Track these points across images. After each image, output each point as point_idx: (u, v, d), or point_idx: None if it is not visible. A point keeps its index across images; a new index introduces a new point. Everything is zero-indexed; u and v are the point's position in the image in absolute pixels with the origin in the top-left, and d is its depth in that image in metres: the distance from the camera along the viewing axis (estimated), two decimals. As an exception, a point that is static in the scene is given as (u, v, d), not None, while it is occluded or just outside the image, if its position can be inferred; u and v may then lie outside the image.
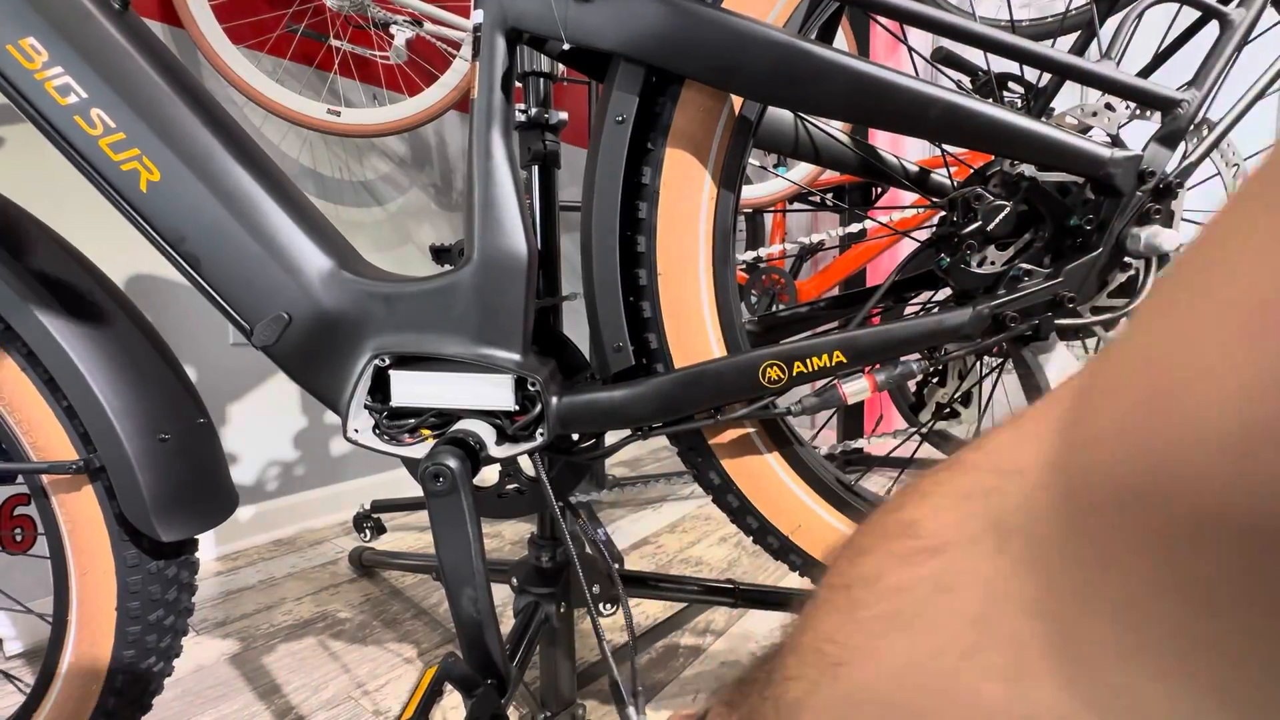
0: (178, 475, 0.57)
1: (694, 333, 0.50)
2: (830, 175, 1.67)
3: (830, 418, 0.65)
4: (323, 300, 0.51)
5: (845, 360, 0.45)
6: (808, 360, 0.45)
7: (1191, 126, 0.43)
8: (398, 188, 1.73)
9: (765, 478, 0.52)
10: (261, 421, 1.49)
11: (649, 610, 1.11)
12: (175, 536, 0.56)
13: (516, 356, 0.53)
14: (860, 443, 0.72)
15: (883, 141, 1.95)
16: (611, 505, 1.67)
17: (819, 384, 0.48)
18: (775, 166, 1.80)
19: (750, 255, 1.32)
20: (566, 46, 0.47)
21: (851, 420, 1.84)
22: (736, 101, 0.47)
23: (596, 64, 0.51)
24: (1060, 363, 0.45)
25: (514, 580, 0.81)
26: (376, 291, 0.52)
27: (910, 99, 0.42)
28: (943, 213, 0.54)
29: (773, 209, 1.77)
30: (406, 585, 1.24)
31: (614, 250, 0.48)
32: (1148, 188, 0.43)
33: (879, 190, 1.71)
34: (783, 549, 0.54)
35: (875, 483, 1.84)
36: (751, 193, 1.47)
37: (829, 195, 1.71)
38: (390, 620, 1.11)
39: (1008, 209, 0.45)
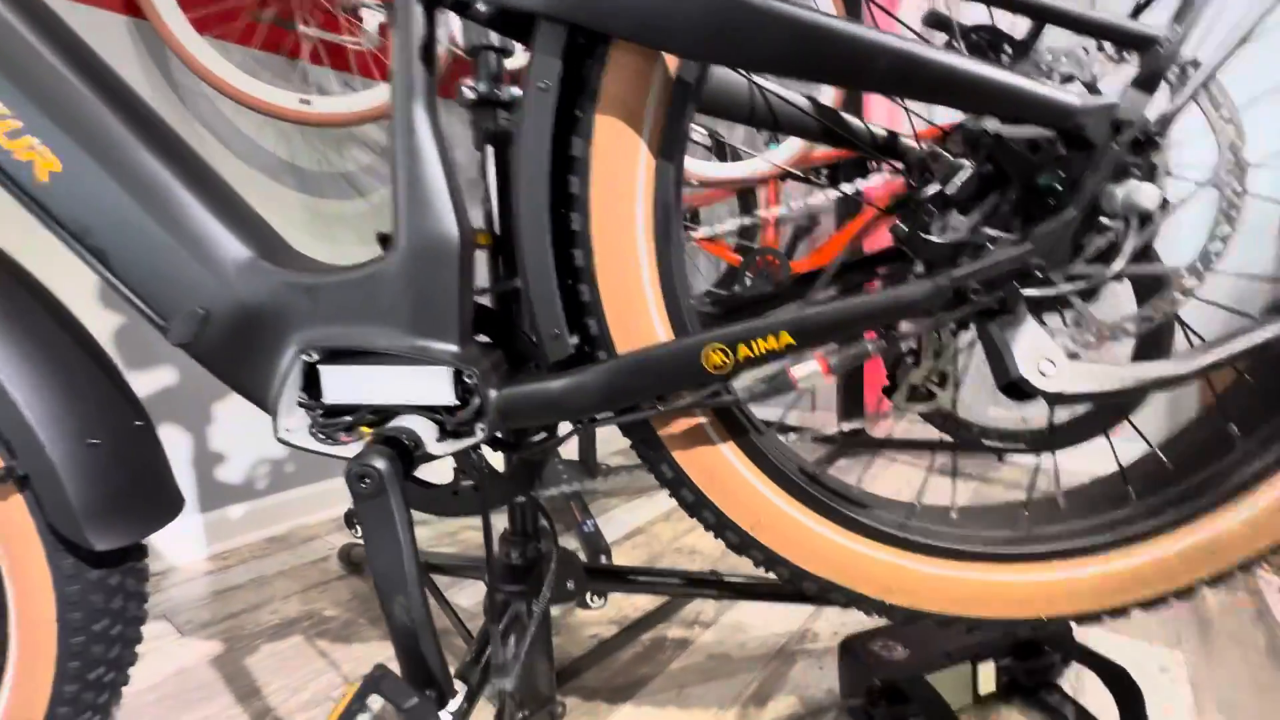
0: (111, 481, 0.54)
1: (637, 316, 0.47)
2: (825, 150, 1.62)
3: (798, 398, 0.61)
4: (241, 293, 0.48)
5: (794, 342, 0.41)
6: (753, 343, 0.42)
7: (1174, 68, 0.38)
8: (380, 178, 1.70)
9: (720, 470, 0.49)
10: (251, 418, 1.48)
11: (639, 602, 1.08)
12: (110, 545, 0.53)
13: (453, 347, 0.50)
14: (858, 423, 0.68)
15: (879, 112, 1.88)
16: (606, 495, 1.65)
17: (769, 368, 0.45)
18: (767, 144, 1.74)
19: (734, 224, 1.27)
20: (483, 8, 0.43)
21: (851, 398, 1.79)
22: (672, 62, 0.43)
23: (526, 28, 0.47)
24: (1031, 339, 0.40)
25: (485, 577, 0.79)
26: (298, 282, 0.49)
27: (855, 48, 0.37)
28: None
29: (765, 185, 1.72)
30: (395, 581, 1.22)
31: (544, 229, 0.45)
32: (1123, 139, 0.39)
33: (875, 164, 1.65)
34: (743, 545, 0.51)
35: (879, 465, 1.80)
36: (734, 171, 1.42)
37: (819, 172, 1.65)
38: (375, 618, 1.10)
39: (968, 169, 0.41)
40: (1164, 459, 0.54)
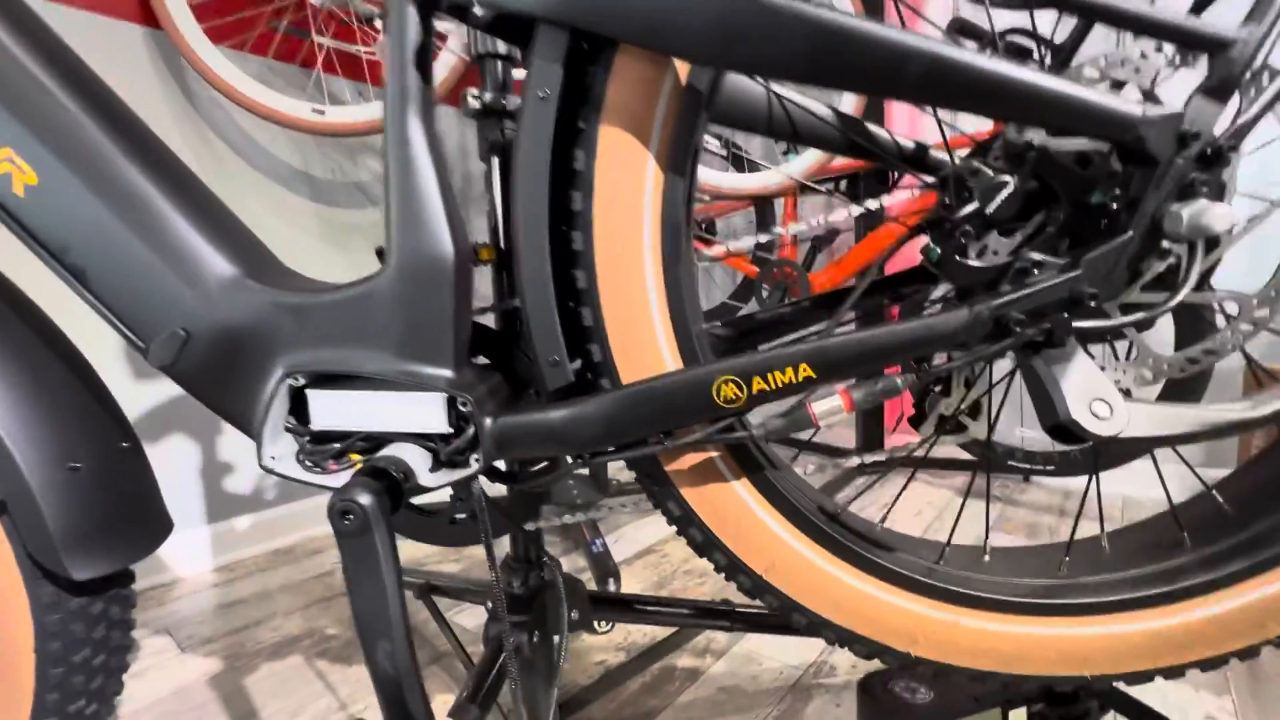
0: (92, 507, 0.52)
1: (643, 343, 0.43)
2: (843, 161, 1.57)
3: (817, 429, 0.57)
4: (224, 313, 0.45)
5: (814, 375, 0.38)
6: (769, 376, 0.38)
7: (1248, 74, 0.34)
8: (393, 187, 1.68)
9: (732, 509, 0.45)
10: (258, 430, 1.47)
11: (648, 627, 1.04)
12: (91, 573, 0.51)
13: (446, 373, 0.46)
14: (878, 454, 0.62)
15: (901, 123, 1.83)
16: (616, 511, 1.61)
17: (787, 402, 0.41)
18: (785, 154, 1.71)
19: (751, 241, 1.23)
20: (481, 12, 0.40)
21: (871, 420, 1.74)
22: (682, 68, 0.40)
23: (526, 33, 0.44)
24: (1082, 376, 0.36)
25: (488, 604, 0.75)
26: (284, 302, 0.46)
27: (884, 52, 0.34)
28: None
29: (783, 196, 1.68)
30: (399, 599, 1.19)
31: (544, 248, 0.41)
32: (1190, 153, 0.34)
33: (896, 176, 1.60)
34: (756, 589, 0.47)
35: (897, 481, 1.74)
36: (750, 183, 1.39)
37: (839, 183, 1.61)
38: (378, 637, 1.07)
39: (1010, 186, 0.37)
40: (1221, 502, 0.49)
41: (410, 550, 1.42)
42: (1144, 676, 0.46)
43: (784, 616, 0.48)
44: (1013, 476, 1.75)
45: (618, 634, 1.04)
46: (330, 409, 0.48)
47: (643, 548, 1.40)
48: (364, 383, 0.47)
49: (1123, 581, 0.47)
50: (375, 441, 0.49)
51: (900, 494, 0.63)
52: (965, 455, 1.68)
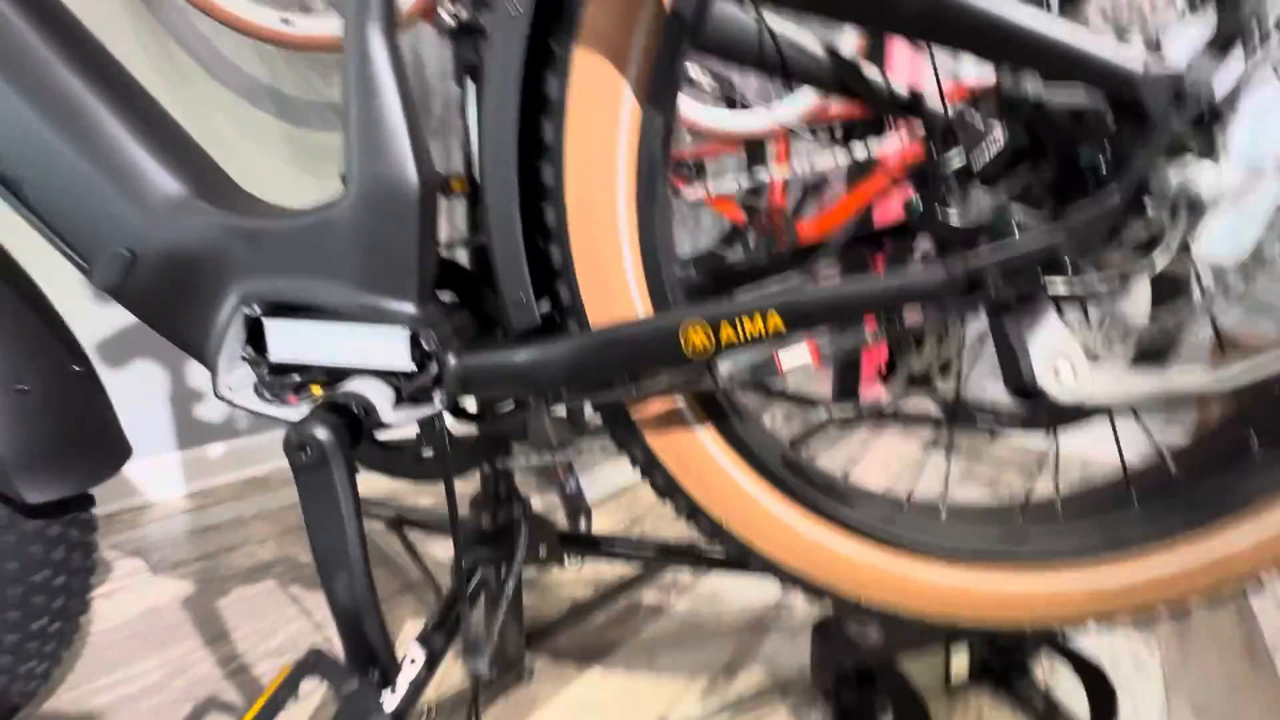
0: (43, 430, 0.51)
1: (612, 285, 0.42)
2: (841, 107, 1.52)
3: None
4: (170, 234, 0.43)
5: (783, 326, 0.37)
6: (738, 324, 0.37)
7: (1256, 30, 0.32)
8: (369, 110, 1.60)
9: (695, 457, 0.45)
10: (229, 358, 1.44)
11: (617, 566, 1.07)
12: (43, 497, 0.50)
13: (409, 308, 0.45)
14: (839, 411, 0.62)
15: (902, 74, 1.76)
16: (592, 452, 1.63)
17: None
18: (780, 95, 1.64)
19: (738, 184, 1.20)
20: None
21: (846, 377, 1.75)
22: (665, -10, 0.37)
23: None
24: (1050, 339, 0.36)
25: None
26: (237, 226, 0.43)
27: (881, -18, 0.31)
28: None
29: (775, 140, 1.63)
30: (372, 531, 1.21)
31: (511, 182, 0.39)
32: (1186, 113, 0.33)
33: (891, 125, 1.56)
34: (715, 534, 0.48)
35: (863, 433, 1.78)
36: (741, 122, 1.34)
37: (833, 130, 1.56)
38: (351, 566, 1.08)
39: (999, 139, 0.36)
40: (1171, 465, 0.50)
41: (385, 482, 1.43)
42: (1079, 623, 0.48)
43: (741, 560, 0.49)
44: (979, 431, 1.80)
45: (587, 570, 1.07)
46: (288, 340, 0.46)
47: (616, 488, 1.42)
48: (323, 314, 0.46)
49: (1069, 536, 0.49)
50: (336, 375, 0.48)
51: (867, 449, 0.64)
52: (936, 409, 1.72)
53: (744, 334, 0.37)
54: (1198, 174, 0.32)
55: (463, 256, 0.64)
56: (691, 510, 0.47)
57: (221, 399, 0.46)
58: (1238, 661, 0.87)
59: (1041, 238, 0.35)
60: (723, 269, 0.52)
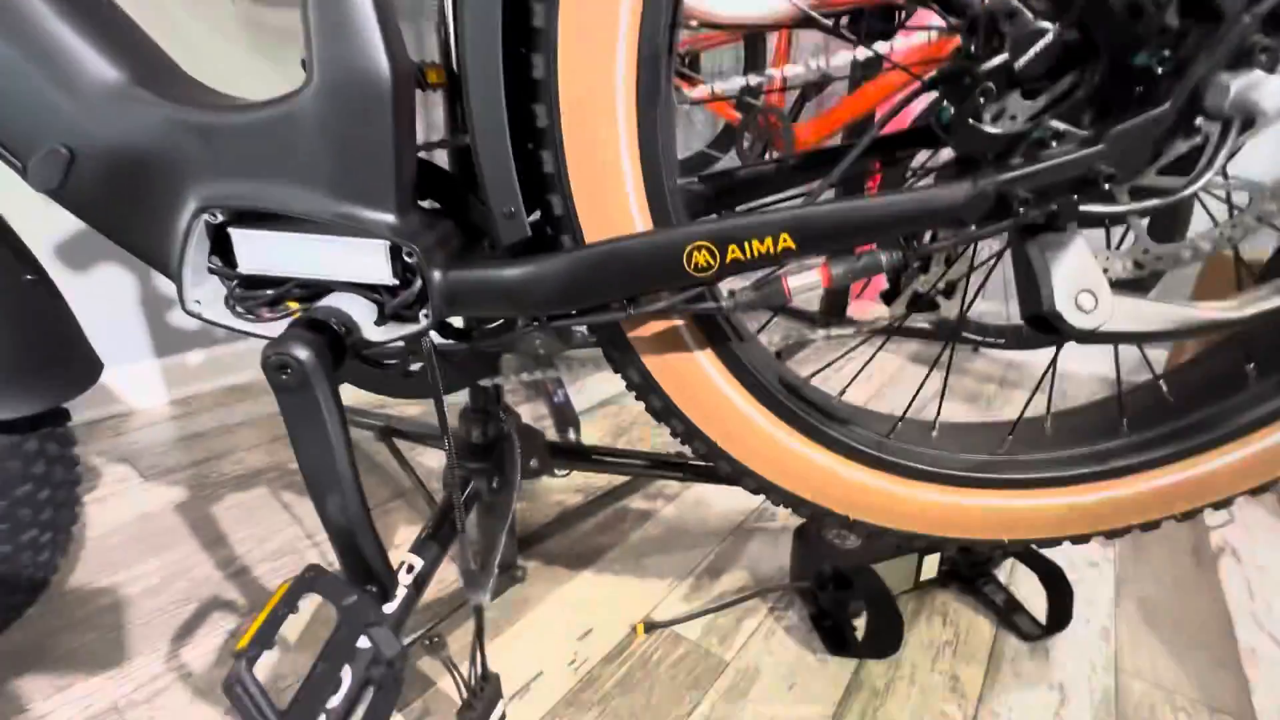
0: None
1: (610, 197, 0.39)
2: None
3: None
4: (111, 128, 0.38)
5: (794, 246, 0.34)
6: (746, 243, 0.35)
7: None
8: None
9: (694, 379, 0.44)
10: (198, 263, 1.37)
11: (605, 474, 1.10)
12: (10, 414, 0.48)
13: (388, 217, 0.41)
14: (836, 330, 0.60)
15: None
16: (581, 364, 1.63)
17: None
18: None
19: (739, 83, 1.11)
20: None
21: (835, 296, 1.73)
22: None
23: None
24: (1075, 265, 0.34)
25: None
26: (186, 120, 0.39)
27: None
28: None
29: (775, 31, 1.50)
30: (361, 438, 1.21)
31: (497, 74, 0.35)
32: (1260, 9, 0.29)
33: (903, 15, 1.43)
34: (711, 455, 0.48)
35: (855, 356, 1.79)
36: (743, 9, 1.22)
37: (839, 20, 1.43)
38: (342, 473, 1.10)
39: (1050, 35, 0.32)
40: (1165, 390, 0.50)
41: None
42: (1055, 542, 0.50)
43: (735, 479, 0.49)
44: (963, 347, 1.82)
45: (576, 478, 1.09)
46: (258, 252, 0.43)
47: (603, 398, 1.43)
48: (294, 224, 0.42)
49: (1056, 460, 0.49)
50: (314, 290, 0.45)
51: (863, 368, 0.63)
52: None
53: (752, 253, 0.35)
54: (1261, 85, 0.29)
55: (445, 160, 0.59)
56: (689, 433, 0.46)
57: (191, 315, 0.43)
58: (1185, 562, 0.94)
59: (1081, 153, 0.32)
60: (725, 178, 0.49)
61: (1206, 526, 1.03)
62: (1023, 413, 0.51)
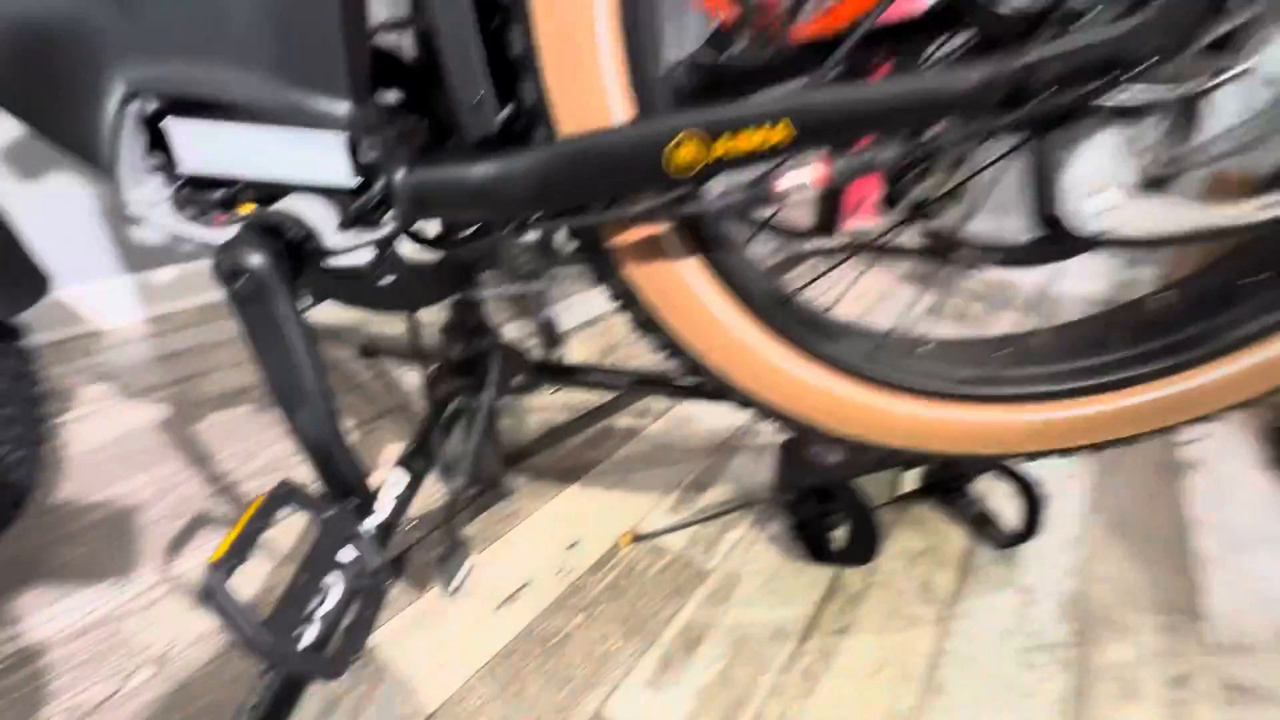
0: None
1: (587, 84, 0.35)
2: None
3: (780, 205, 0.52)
4: (11, -3, 0.33)
5: (792, 138, 0.31)
6: (738, 134, 0.31)
7: None
8: None
9: (677, 290, 0.42)
10: (158, 172, 1.29)
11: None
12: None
13: (342, 107, 0.37)
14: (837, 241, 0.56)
15: None
16: (568, 279, 1.59)
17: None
18: None
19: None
20: None
21: (829, 199, 1.68)
22: None
23: None
24: (1094, 162, 0.31)
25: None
26: (97, -14, 0.33)
27: None
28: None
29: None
30: (343, 358, 1.20)
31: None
32: None
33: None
34: (695, 370, 0.46)
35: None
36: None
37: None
38: (326, 392, 1.08)
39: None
40: (1158, 305, 0.49)
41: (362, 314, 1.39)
42: (1040, 455, 0.50)
43: (720, 395, 0.48)
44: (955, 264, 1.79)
45: (562, 395, 1.09)
46: (200, 147, 0.39)
47: (591, 316, 1.41)
48: (237, 114, 0.38)
49: (1044, 375, 0.49)
50: (268, 192, 0.42)
51: (856, 279, 0.61)
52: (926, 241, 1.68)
53: (745, 146, 0.31)
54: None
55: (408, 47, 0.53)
56: (672, 347, 0.45)
57: (134, 220, 0.40)
58: (1155, 476, 0.97)
59: (1114, 33, 0.29)
60: (717, 70, 0.44)
61: (1177, 440, 1.05)
62: (1013, 329, 0.50)
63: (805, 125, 0.31)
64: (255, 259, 0.35)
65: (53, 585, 0.69)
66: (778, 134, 0.31)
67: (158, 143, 0.40)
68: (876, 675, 0.62)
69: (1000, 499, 0.86)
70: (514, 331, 1.32)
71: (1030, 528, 0.78)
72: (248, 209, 0.42)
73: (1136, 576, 0.77)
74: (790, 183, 0.33)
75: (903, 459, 0.53)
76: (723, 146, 0.32)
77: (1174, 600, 0.73)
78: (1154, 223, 0.33)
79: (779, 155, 0.32)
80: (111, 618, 0.66)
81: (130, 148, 0.38)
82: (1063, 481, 0.94)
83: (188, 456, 0.91)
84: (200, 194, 0.41)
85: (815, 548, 0.77)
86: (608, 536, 0.78)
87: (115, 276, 1.27)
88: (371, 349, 0.98)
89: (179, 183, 0.41)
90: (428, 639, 0.63)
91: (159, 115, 0.38)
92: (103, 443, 0.93)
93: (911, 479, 0.85)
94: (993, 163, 0.38)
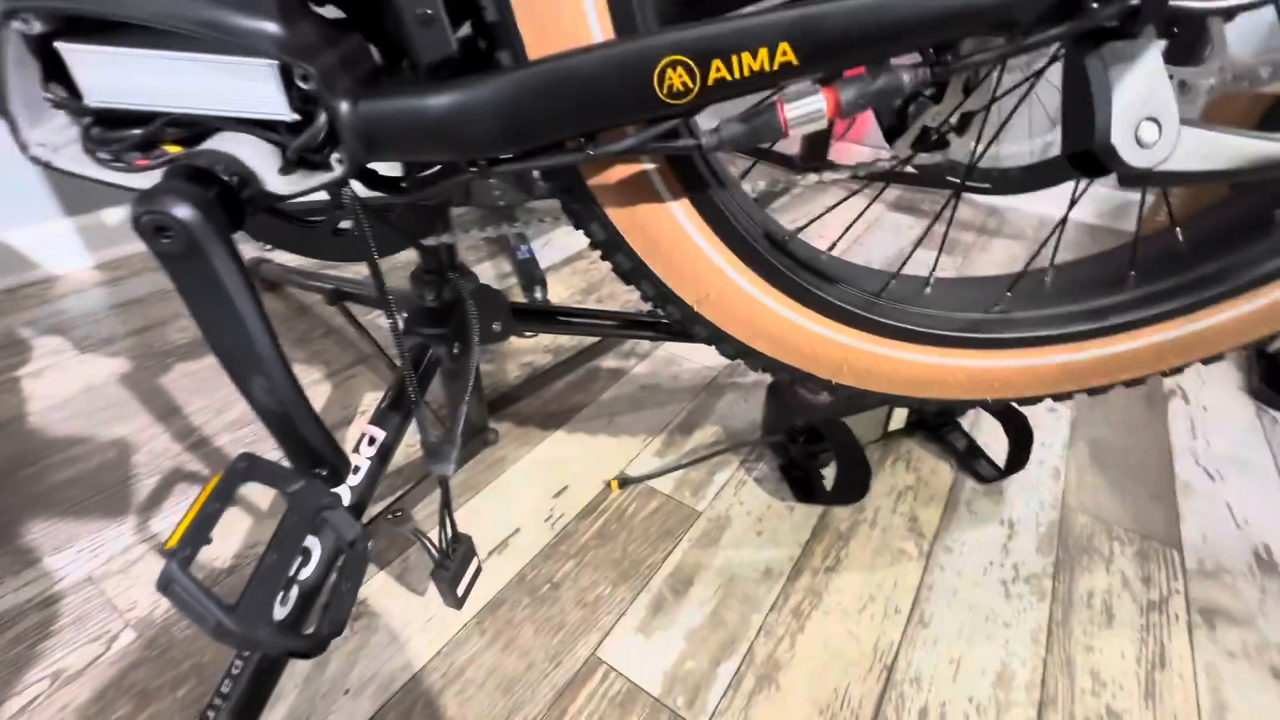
0: None
1: (557, -6, 0.29)
2: None
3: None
4: None
5: (795, 60, 0.27)
6: (734, 57, 0.27)
7: None
8: None
9: (666, 234, 0.38)
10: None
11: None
12: None
13: (270, 26, 0.32)
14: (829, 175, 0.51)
15: None
16: (547, 216, 1.51)
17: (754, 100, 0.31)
18: None
19: None
20: None
21: (816, 135, 1.60)
22: None
23: None
24: (1144, 86, 0.27)
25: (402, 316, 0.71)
26: None
27: None
28: None
29: None
30: (315, 301, 1.14)
31: None
32: None
33: None
34: (686, 319, 0.43)
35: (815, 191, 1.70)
36: None
37: None
38: (298, 339, 1.04)
39: None
40: (1180, 241, 0.46)
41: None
42: (1038, 400, 0.49)
43: (711, 343, 0.45)
44: (943, 192, 1.74)
45: (545, 338, 1.06)
46: (103, 76, 0.33)
47: (572, 253, 1.36)
48: (144, 35, 0.32)
49: (1052, 318, 0.46)
50: (194, 129, 0.36)
51: (858, 217, 0.57)
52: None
53: (741, 72, 0.27)
54: None
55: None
56: (661, 296, 0.41)
57: (37, 162, 0.34)
58: (1138, 406, 0.97)
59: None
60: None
61: (1164, 370, 1.05)
62: (1026, 268, 0.47)
63: (810, 47, 0.26)
64: (181, 210, 0.31)
65: (24, 551, 0.66)
66: (779, 56, 0.27)
67: (58, 72, 0.34)
68: (864, 611, 0.64)
69: (987, 433, 0.87)
70: (491, 272, 1.27)
71: (1017, 462, 0.78)
72: (174, 149, 0.37)
73: (1116, 506, 0.78)
74: (800, 112, 0.29)
75: (898, 404, 0.51)
76: (716, 71, 0.27)
77: (1152, 528, 0.75)
78: (1203, 158, 0.29)
79: (782, 80, 0.28)
80: (91, 580, 0.64)
81: (19, 77, 0.32)
82: (1046, 414, 0.94)
83: (155, 413, 0.87)
84: (115, 132, 0.36)
85: (804, 488, 0.77)
86: (596, 482, 0.77)
87: (55, 220, 1.18)
88: (342, 294, 0.93)
89: (87, 120, 0.35)
90: (418, 592, 0.63)
91: (49, 37, 0.32)
92: (64, 398, 0.89)
93: (901, 417, 0.85)
94: (1028, 82, 0.34)
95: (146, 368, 0.96)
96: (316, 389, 0.93)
